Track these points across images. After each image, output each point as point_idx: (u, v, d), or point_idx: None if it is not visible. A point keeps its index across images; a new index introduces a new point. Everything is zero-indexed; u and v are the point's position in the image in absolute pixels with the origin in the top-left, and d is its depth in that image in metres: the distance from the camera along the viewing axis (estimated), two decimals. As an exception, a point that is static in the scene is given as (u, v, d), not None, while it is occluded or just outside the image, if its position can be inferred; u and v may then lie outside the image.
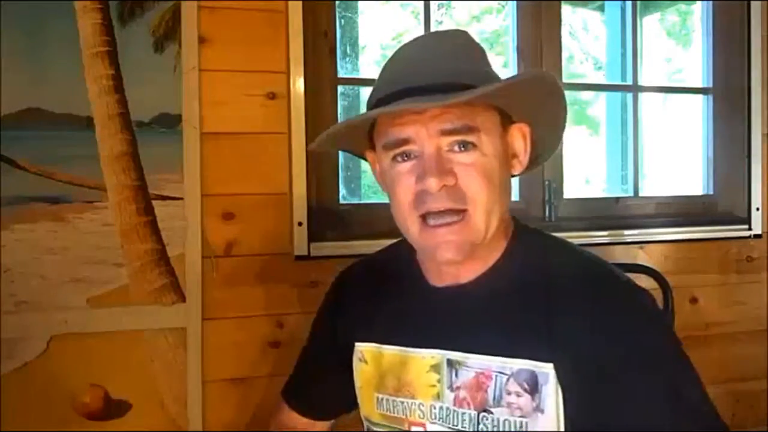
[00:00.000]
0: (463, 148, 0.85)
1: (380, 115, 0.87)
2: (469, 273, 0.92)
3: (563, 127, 0.96)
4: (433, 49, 0.90)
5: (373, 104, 0.90)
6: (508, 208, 0.92)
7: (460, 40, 0.93)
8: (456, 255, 0.86)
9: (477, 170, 0.85)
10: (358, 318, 1.03)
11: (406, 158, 0.87)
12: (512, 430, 0.86)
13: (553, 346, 0.84)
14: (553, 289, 0.87)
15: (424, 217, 0.87)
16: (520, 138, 0.92)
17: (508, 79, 0.86)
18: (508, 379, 0.86)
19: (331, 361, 1.06)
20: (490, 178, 0.86)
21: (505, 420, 0.86)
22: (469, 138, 0.85)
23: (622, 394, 0.81)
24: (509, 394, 0.86)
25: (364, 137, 0.95)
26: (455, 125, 0.84)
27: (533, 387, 0.85)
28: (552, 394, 0.84)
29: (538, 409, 0.85)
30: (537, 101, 0.89)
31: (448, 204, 0.85)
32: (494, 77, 0.90)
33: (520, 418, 0.86)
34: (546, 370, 0.84)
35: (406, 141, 0.86)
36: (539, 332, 0.85)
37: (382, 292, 1.01)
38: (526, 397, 0.85)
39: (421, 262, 0.98)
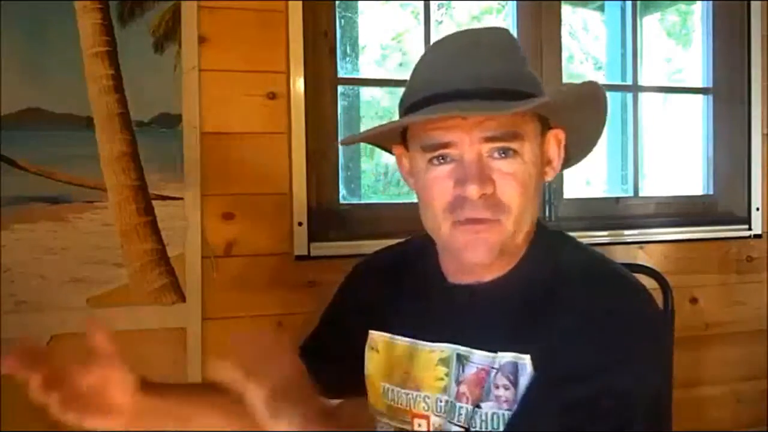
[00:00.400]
0: (503, 155, 0.84)
1: (424, 119, 0.85)
2: (489, 275, 0.92)
3: (599, 137, 0.96)
4: (473, 50, 0.88)
5: (411, 104, 0.88)
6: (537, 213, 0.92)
7: (499, 39, 0.91)
8: (485, 257, 0.86)
9: (516, 179, 0.85)
10: (375, 306, 1.02)
11: (442, 161, 0.86)
12: (498, 423, 0.85)
13: (533, 338, 0.84)
14: (555, 288, 0.87)
15: (456, 221, 0.86)
16: (555, 144, 0.92)
17: (564, 92, 0.85)
18: (496, 373, 0.86)
19: (344, 342, 1.05)
20: (526, 186, 0.85)
21: (493, 414, 0.86)
22: (512, 145, 0.84)
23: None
24: (497, 387, 0.86)
25: (396, 135, 0.95)
26: (499, 133, 0.83)
27: (516, 380, 0.85)
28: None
29: (517, 401, 0.84)
30: (580, 111, 0.89)
31: (484, 214, 0.84)
32: (536, 81, 0.89)
33: (507, 411, 0.85)
34: (525, 361, 0.84)
35: (447, 145, 0.85)
36: (528, 328, 0.85)
37: (399, 284, 1.02)
38: (512, 389, 0.85)
39: (441, 259, 0.98)
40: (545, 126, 0.90)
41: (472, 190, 0.82)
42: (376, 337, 1.01)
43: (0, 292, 1.38)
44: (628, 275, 0.90)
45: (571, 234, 0.99)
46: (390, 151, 1.01)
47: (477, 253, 0.86)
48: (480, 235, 0.85)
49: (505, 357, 0.86)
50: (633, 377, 0.81)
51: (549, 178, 0.93)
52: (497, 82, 0.84)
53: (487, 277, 0.92)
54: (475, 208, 0.84)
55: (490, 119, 0.83)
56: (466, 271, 0.93)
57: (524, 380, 0.84)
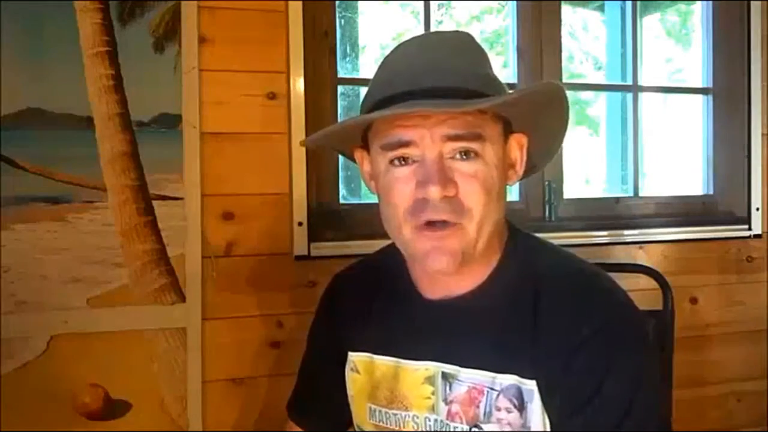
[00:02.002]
0: (465, 157, 0.83)
1: (386, 115, 0.84)
2: (461, 286, 0.91)
3: (561, 142, 0.96)
4: (436, 50, 0.87)
5: (372, 103, 0.87)
6: (502, 217, 0.91)
7: (463, 41, 0.91)
8: (447, 265, 0.84)
9: (478, 181, 0.83)
10: (351, 327, 1.01)
11: (404, 162, 0.84)
12: None
13: (535, 363, 0.83)
14: (539, 305, 0.86)
15: (418, 225, 0.84)
16: (517, 148, 0.91)
17: (524, 89, 0.84)
18: (498, 395, 0.85)
19: (331, 372, 1.04)
20: (489, 189, 0.84)
21: None
22: (474, 146, 0.83)
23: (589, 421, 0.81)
24: (499, 410, 0.85)
25: (357, 136, 0.93)
26: (462, 132, 0.82)
27: (521, 404, 0.84)
28: (538, 411, 0.83)
29: (525, 426, 0.84)
30: (543, 114, 0.88)
31: (446, 215, 0.82)
32: (498, 83, 0.88)
33: None
34: (531, 387, 0.84)
35: (407, 144, 0.83)
36: (525, 348, 0.84)
37: (374, 302, 1.00)
38: (515, 413, 0.84)
39: (413, 272, 0.96)
40: (508, 130, 0.89)
41: (434, 192, 0.81)
42: (355, 358, 1.00)
43: (0, 292, 1.38)
44: (610, 285, 0.89)
45: (571, 234, 0.99)
46: (352, 159, 0.99)
47: (439, 260, 0.84)
48: (442, 242, 0.83)
49: (507, 379, 0.85)
50: (650, 396, 0.83)
51: (511, 182, 0.92)
52: (459, 82, 0.83)
53: (458, 290, 0.90)
54: (436, 211, 0.82)
55: (452, 118, 0.81)
56: (436, 283, 0.92)
57: (533, 406, 0.83)
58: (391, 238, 0.91)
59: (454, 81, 0.83)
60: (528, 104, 0.86)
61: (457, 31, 0.94)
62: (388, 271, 0.99)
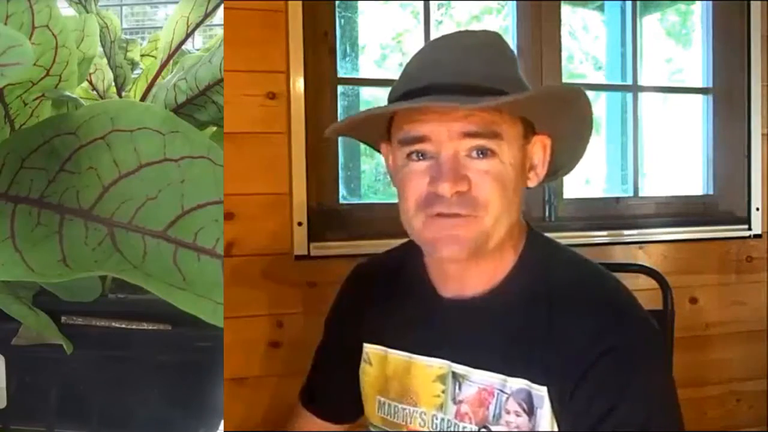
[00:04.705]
0: (481, 155, 0.82)
1: (401, 109, 0.84)
2: (475, 286, 0.90)
3: (585, 145, 0.94)
4: (463, 48, 0.87)
5: (396, 97, 0.87)
6: (519, 219, 0.90)
7: (491, 41, 0.90)
8: (454, 252, 0.83)
9: (492, 178, 0.82)
10: (368, 318, 1.01)
11: (421, 157, 0.84)
12: None
13: (547, 370, 0.83)
14: (555, 312, 0.85)
15: (430, 215, 0.84)
16: (540, 149, 0.89)
17: (539, 90, 0.84)
18: (507, 398, 0.85)
19: (347, 361, 1.04)
20: (505, 187, 0.83)
21: None
22: (490, 144, 0.82)
23: None
24: (508, 413, 0.85)
25: (382, 128, 0.93)
26: (479, 129, 0.81)
27: (530, 408, 0.84)
28: (547, 417, 0.83)
29: (530, 428, 0.84)
30: (564, 116, 0.87)
31: (458, 210, 0.82)
32: (523, 84, 0.88)
33: None
34: (541, 393, 0.83)
35: (423, 139, 0.83)
36: (537, 354, 0.84)
37: (392, 295, 1.00)
38: (524, 417, 0.84)
39: (430, 268, 0.96)
40: (530, 130, 0.88)
41: (444, 188, 0.80)
42: (369, 350, 1.00)
43: (0, 292, 1.38)
44: (629, 300, 0.88)
45: (571, 234, 0.98)
46: (379, 150, 0.99)
47: (450, 247, 0.83)
48: (454, 230, 0.82)
49: (517, 383, 0.84)
50: (666, 419, 0.83)
51: (532, 184, 0.90)
52: (479, 80, 0.82)
53: (472, 289, 0.90)
54: (448, 205, 0.82)
55: (469, 115, 0.80)
56: (453, 279, 0.91)
57: (543, 412, 0.83)
58: (400, 235, 0.92)
59: (477, 79, 0.82)
60: (545, 106, 0.85)
61: (486, 30, 0.92)
62: (407, 266, 0.99)
